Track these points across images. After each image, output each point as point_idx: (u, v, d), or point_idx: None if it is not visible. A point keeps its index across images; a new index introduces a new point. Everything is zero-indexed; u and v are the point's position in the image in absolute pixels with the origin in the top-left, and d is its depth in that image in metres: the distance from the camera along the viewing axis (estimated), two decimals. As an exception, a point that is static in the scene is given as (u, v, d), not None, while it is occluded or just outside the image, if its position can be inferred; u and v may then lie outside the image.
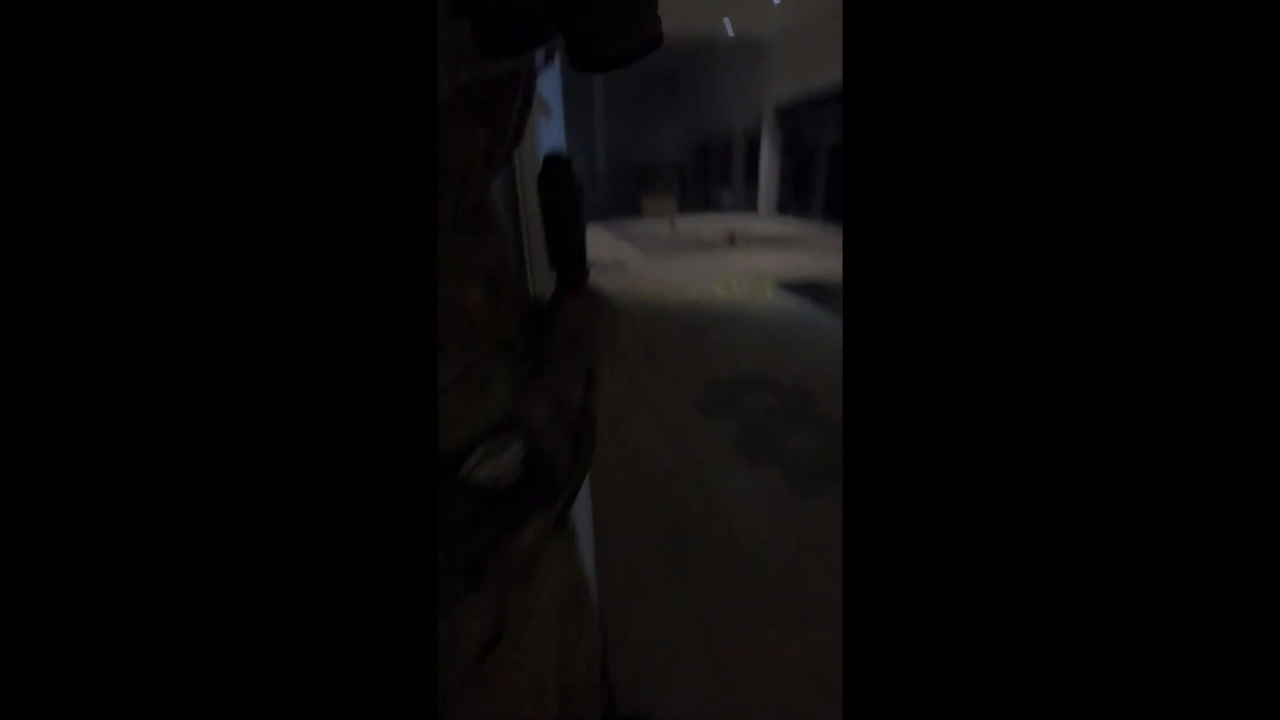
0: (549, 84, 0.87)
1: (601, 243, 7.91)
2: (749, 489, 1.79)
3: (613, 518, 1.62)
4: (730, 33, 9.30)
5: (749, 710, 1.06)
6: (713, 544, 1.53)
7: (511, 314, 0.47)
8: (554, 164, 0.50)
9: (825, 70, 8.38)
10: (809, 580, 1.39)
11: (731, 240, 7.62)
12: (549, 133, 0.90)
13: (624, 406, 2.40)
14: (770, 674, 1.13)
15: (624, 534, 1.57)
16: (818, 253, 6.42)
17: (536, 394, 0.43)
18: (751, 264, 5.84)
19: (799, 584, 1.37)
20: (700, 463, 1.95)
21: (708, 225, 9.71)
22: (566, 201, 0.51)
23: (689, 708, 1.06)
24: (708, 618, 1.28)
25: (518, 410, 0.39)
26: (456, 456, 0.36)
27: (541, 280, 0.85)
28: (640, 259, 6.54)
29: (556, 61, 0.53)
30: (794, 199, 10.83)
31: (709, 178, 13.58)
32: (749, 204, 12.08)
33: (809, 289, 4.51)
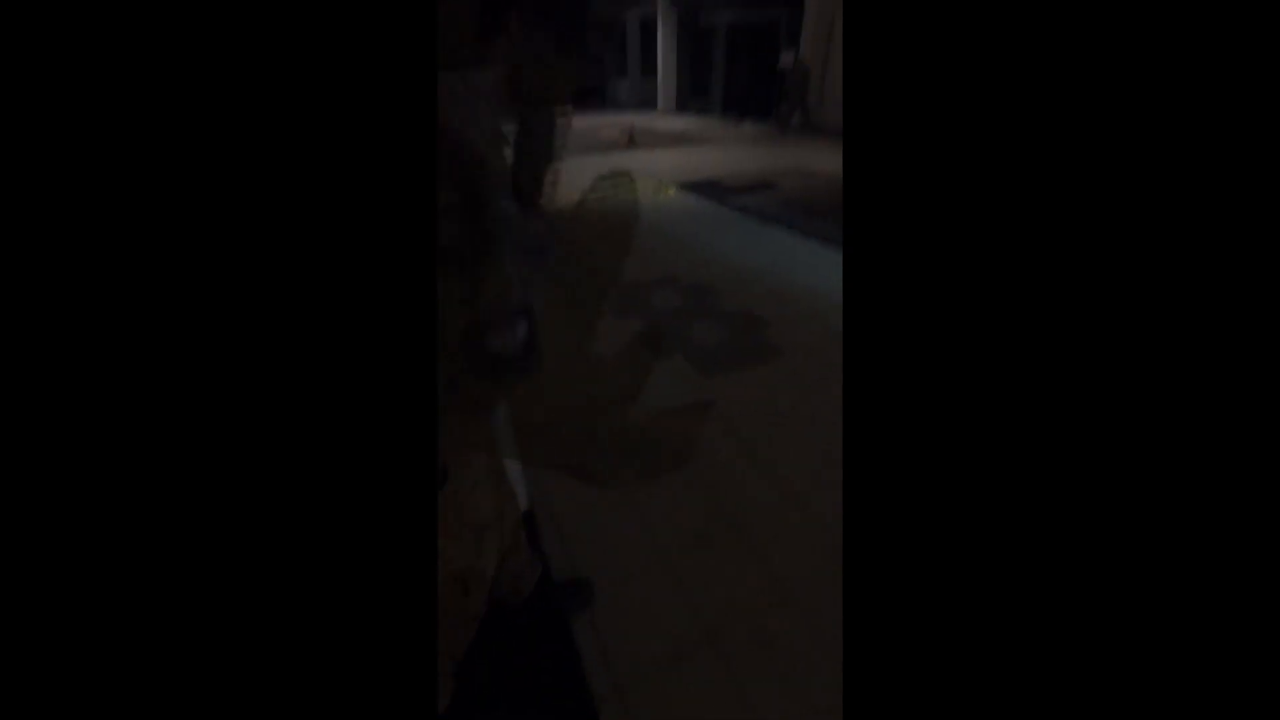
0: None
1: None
2: (660, 377, 1.93)
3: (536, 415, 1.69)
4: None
5: (667, 550, 1.25)
6: (630, 423, 1.67)
7: (536, 226, 0.61)
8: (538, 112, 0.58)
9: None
10: (717, 447, 1.58)
11: (631, 140, 7.31)
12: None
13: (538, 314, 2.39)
14: (686, 517, 1.32)
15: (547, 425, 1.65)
16: (718, 149, 6.39)
17: (536, 292, 0.54)
18: (653, 164, 5.70)
19: (704, 450, 1.56)
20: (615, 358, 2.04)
21: (606, 124, 9.16)
22: (540, 143, 0.59)
23: (619, 565, 1.22)
24: (631, 488, 1.43)
25: (526, 300, 0.50)
26: (486, 326, 0.47)
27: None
28: (536, 162, 6.08)
29: None
30: (693, 93, 10.47)
31: (603, 69, 12.57)
32: (647, 97, 11.48)
33: (710, 188, 4.54)
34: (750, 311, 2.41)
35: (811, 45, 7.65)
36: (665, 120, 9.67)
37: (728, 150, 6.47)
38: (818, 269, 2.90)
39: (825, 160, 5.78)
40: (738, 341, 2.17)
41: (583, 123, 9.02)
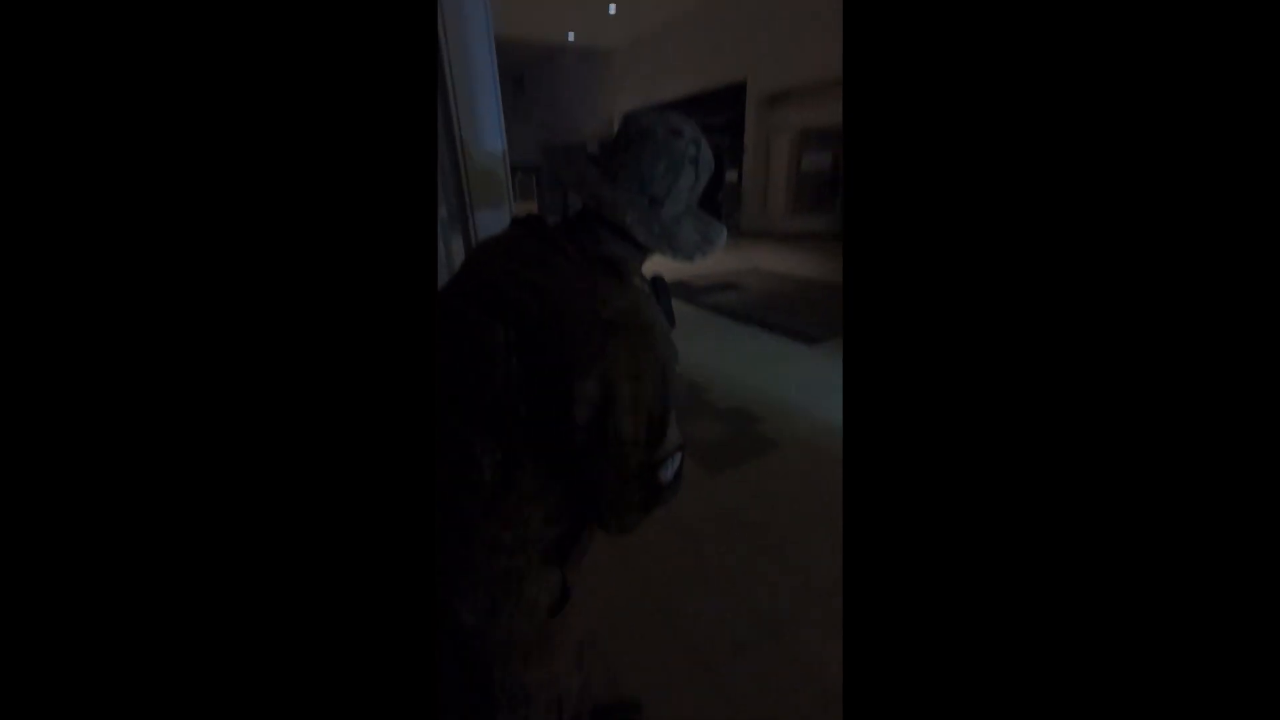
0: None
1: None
2: (669, 478, 1.98)
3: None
4: (571, 38, 9.50)
5: (708, 661, 1.24)
6: (650, 524, 1.69)
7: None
8: (658, 282, 0.71)
9: (669, 81, 9.05)
10: (733, 544, 1.63)
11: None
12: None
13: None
14: (721, 624, 1.33)
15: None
16: (678, 253, 6.93)
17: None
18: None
19: (725, 548, 1.60)
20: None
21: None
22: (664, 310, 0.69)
23: (663, 681, 1.21)
24: (653, 582, 1.44)
25: (683, 438, 0.59)
26: (659, 464, 0.55)
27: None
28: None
29: None
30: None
31: (561, 183, 13.59)
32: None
33: (679, 288, 4.89)
34: (742, 406, 2.56)
35: (752, 164, 8.74)
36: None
37: (687, 252, 7.04)
38: (792, 362, 3.13)
39: (776, 261, 6.39)
40: (737, 437, 2.28)
41: (548, 228, 9.61)
